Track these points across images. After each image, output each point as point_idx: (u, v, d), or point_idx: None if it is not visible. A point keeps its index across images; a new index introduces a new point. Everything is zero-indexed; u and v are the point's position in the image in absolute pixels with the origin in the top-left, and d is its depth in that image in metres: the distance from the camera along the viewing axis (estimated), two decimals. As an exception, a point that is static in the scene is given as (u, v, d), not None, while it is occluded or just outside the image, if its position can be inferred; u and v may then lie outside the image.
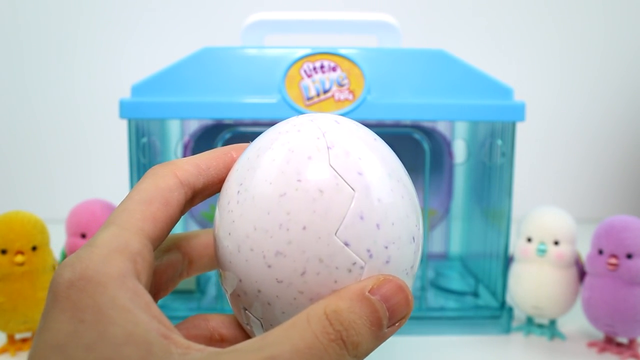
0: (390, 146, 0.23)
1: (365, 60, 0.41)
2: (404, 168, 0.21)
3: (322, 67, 0.40)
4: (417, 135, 0.44)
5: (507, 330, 0.44)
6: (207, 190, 0.21)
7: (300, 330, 0.16)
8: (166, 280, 0.22)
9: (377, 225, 0.19)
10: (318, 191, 0.18)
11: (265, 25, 0.47)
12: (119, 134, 0.68)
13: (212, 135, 0.48)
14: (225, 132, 0.43)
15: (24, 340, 0.42)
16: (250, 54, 0.41)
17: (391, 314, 0.17)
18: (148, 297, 0.17)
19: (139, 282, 0.17)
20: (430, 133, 0.54)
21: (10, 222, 0.38)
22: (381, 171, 0.19)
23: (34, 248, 0.39)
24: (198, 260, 0.23)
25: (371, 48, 0.41)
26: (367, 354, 0.17)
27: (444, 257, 0.59)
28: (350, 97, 0.40)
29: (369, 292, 0.17)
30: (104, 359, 0.15)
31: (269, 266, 0.18)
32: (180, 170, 0.20)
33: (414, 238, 0.20)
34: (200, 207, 0.51)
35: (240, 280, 0.19)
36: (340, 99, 0.40)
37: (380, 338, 0.17)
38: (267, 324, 0.20)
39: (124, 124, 0.63)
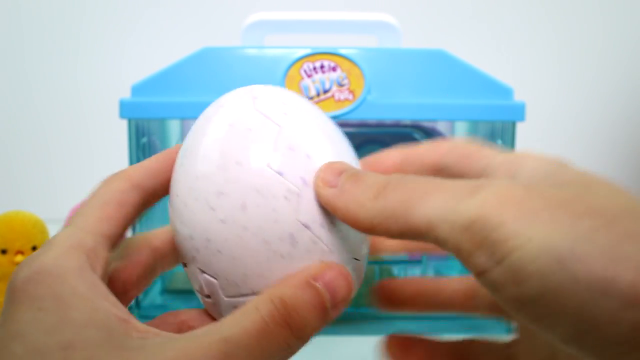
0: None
1: (365, 60, 0.40)
2: (331, 121, 0.22)
3: (322, 67, 0.40)
4: (417, 135, 0.44)
5: (507, 330, 0.44)
6: (161, 190, 0.23)
7: (250, 315, 0.17)
8: (137, 279, 0.23)
9: (307, 156, 0.20)
10: (247, 129, 0.20)
11: (265, 25, 0.47)
12: (119, 134, 0.68)
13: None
14: (225, 132, 0.43)
15: (24, 340, 0.42)
16: (250, 54, 0.41)
17: (333, 297, 0.18)
18: (104, 288, 0.18)
19: (95, 274, 0.18)
20: (430, 133, 0.54)
21: (11, 222, 0.38)
22: (305, 114, 0.21)
23: (34, 248, 0.39)
24: (170, 253, 0.24)
25: (371, 48, 0.41)
26: (312, 334, 0.18)
27: (444, 257, 0.59)
28: (350, 97, 0.40)
29: (312, 279, 0.18)
30: (65, 341, 0.16)
31: (213, 209, 0.19)
32: (132, 174, 0.22)
33: None
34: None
35: (192, 237, 0.20)
36: (340, 99, 0.40)
37: (325, 319, 0.18)
38: (223, 280, 0.20)
39: (124, 124, 0.63)
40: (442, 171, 0.22)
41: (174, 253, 0.24)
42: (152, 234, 0.24)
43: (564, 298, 0.13)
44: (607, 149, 0.83)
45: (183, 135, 0.52)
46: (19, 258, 0.38)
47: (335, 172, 0.19)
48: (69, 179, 0.80)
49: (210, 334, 0.17)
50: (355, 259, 0.21)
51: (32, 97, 0.79)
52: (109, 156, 0.79)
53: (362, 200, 0.18)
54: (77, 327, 0.16)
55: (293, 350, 0.18)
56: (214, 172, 0.20)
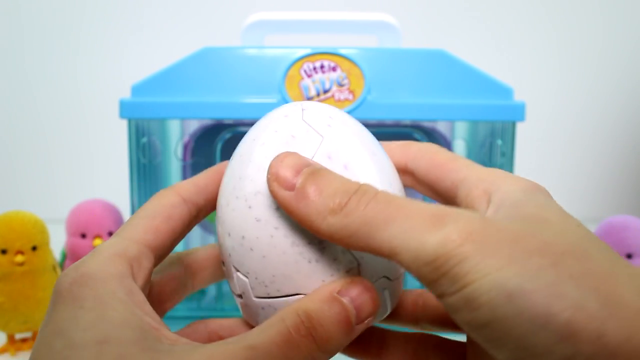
0: None
1: (365, 60, 0.40)
2: (375, 141, 0.23)
3: (322, 67, 0.40)
4: (417, 135, 0.44)
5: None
6: (209, 206, 0.23)
7: (276, 326, 0.18)
8: (170, 292, 0.24)
9: (345, 166, 0.20)
10: (290, 136, 0.21)
11: (265, 25, 0.47)
12: (119, 134, 0.68)
13: (212, 135, 0.48)
14: (225, 132, 0.43)
15: (24, 340, 0.42)
16: (250, 54, 0.41)
17: (358, 312, 0.19)
18: (142, 297, 0.19)
19: (135, 283, 0.19)
20: (430, 133, 0.54)
21: (11, 222, 0.38)
22: (348, 129, 0.22)
23: (34, 248, 0.39)
24: (200, 272, 0.25)
25: (371, 48, 0.41)
26: (338, 349, 0.18)
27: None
28: (350, 97, 0.40)
29: (337, 293, 0.19)
30: (102, 336, 0.16)
31: (250, 207, 0.20)
32: (182, 189, 0.22)
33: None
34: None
35: (229, 235, 0.21)
36: (340, 99, 0.40)
37: (350, 334, 0.19)
38: (253, 280, 0.20)
39: (124, 124, 0.63)
40: (412, 174, 0.23)
41: (204, 273, 0.25)
42: (185, 253, 0.25)
43: (509, 327, 0.15)
44: (607, 149, 0.83)
45: (183, 135, 0.52)
46: (19, 258, 0.38)
47: (292, 169, 0.19)
48: (69, 179, 0.80)
49: (237, 342, 0.17)
50: (387, 277, 0.21)
51: (32, 97, 0.79)
52: (109, 156, 0.79)
53: (322, 212, 0.18)
54: (112, 325, 0.17)
55: None
56: (255, 172, 0.20)
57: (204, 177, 0.23)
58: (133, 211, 0.44)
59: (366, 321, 0.19)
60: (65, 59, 0.78)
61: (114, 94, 0.48)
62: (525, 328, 0.15)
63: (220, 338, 0.22)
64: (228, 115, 0.40)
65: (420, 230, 0.16)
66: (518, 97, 0.43)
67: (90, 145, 0.80)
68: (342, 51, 0.40)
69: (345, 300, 0.19)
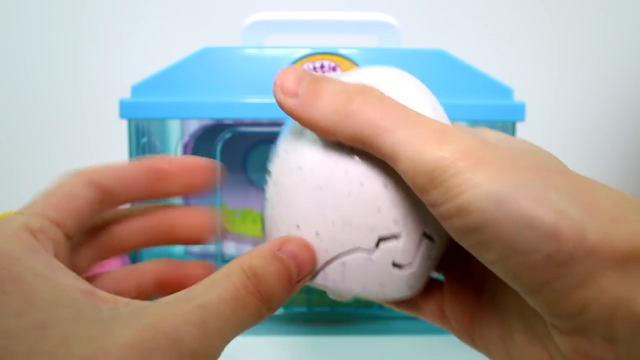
0: None
1: (365, 60, 0.40)
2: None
3: (322, 67, 0.40)
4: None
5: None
6: (123, 194, 0.22)
7: (222, 283, 0.18)
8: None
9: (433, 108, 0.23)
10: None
11: (265, 25, 0.47)
12: (119, 134, 0.68)
13: (212, 135, 0.48)
14: (225, 132, 0.43)
15: (24, 340, 0.42)
16: (250, 54, 0.41)
17: (299, 270, 0.20)
18: (60, 264, 0.18)
19: (48, 253, 0.18)
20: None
21: (10, 222, 0.38)
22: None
23: (34, 248, 0.39)
24: (121, 189, 0.23)
25: (371, 48, 0.41)
26: (279, 306, 0.19)
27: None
28: (350, 97, 0.40)
29: (278, 250, 0.19)
30: (38, 321, 0.15)
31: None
32: (89, 171, 0.22)
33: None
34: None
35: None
36: (340, 99, 0.40)
37: (291, 291, 0.19)
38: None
39: (124, 124, 0.63)
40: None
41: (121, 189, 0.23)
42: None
43: (497, 230, 0.17)
44: (607, 148, 0.83)
45: (183, 135, 0.52)
46: (19, 258, 0.38)
47: (294, 79, 0.20)
48: (69, 179, 0.80)
49: (186, 300, 0.17)
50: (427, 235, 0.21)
51: (32, 97, 0.79)
52: (109, 156, 0.79)
53: (327, 113, 0.19)
54: (46, 306, 0.16)
55: (262, 318, 0.18)
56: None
57: (122, 165, 0.22)
58: (133, 211, 0.44)
59: (304, 279, 0.20)
60: (65, 59, 0.78)
61: (114, 94, 0.48)
62: (513, 229, 0.17)
63: (147, 294, 0.23)
64: (228, 115, 0.40)
65: (424, 142, 0.18)
66: (518, 97, 0.43)
67: (90, 145, 0.80)
68: (342, 51, 0.40)
69: (285, 257, 0.19)
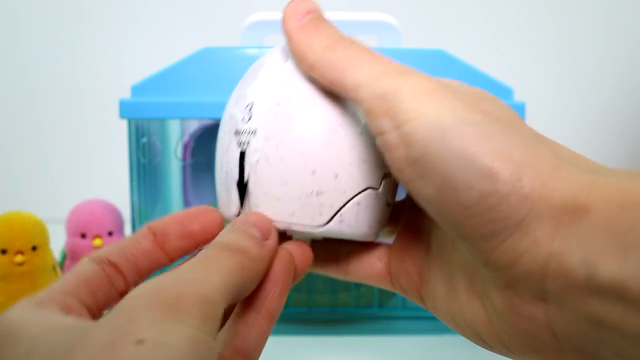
0: None
1: (365, 60, 0.40)
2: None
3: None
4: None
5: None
6: (130, 264, 0.21)
7: (191, 262, 0.18)
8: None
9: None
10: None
11: (265, 25, 0.47)
12: (119, 134, 0.68)
13: (212, 135, 0.48)
14: (225, 132, 0.43)
15: (24, 340, 0.42)
16: (250, 54, 0.41)
17: (259, 228, 0.20)
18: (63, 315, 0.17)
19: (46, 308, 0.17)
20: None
21: (10, 222, 0.38)
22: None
23: (34, 248, 0.39)
24: (126, 263, 0.22)
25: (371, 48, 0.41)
26: (257, 258, 0.19)
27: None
28: (350, 97, 0.40)
29: (238, 223, 0.21)
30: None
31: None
32: (96, 252, 0.21)
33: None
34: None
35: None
36: (340, 99, 0.40)
37: (264, 247, 0.20)
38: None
39: (124, 124, 0.63)
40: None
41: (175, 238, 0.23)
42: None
43: (437, 163, 0.17)
44: (607, 149, 0.83)
45: (183, 135, 0.52)
46: (18, 258, 0.38)
47: (306, 9, 0.21)
48: (68, 179, 0.80)
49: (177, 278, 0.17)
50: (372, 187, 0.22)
51: (32, 97, 0.79)
52: (109, 156, 0.79)
53: (314, 44, 0.20)
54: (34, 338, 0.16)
55: (246, 267, 0.19)
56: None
57: (124, 239, 0.22)
58: (133, 211, 0.44)
59: (269, 235, 0.20)
60: (65, 59, 0.78)
61: (114, 94, 0.48)
62: (452, 164, 0.17)
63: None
64: (228, 115, 0.40)
65: (385, 74, 0.19)
66: (518, 97, 0.43)
67: (90, 145, 0.80)
68: (342, 51, 0.40)
69: (243, 225, 0.20)
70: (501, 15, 0.80)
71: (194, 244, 0.22)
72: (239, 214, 0.22)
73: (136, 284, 0.21)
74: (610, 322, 0.15)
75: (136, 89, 0.41)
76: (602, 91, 0.82)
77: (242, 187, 0.22)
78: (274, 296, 0.21)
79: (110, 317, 0.16)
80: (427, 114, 0.17)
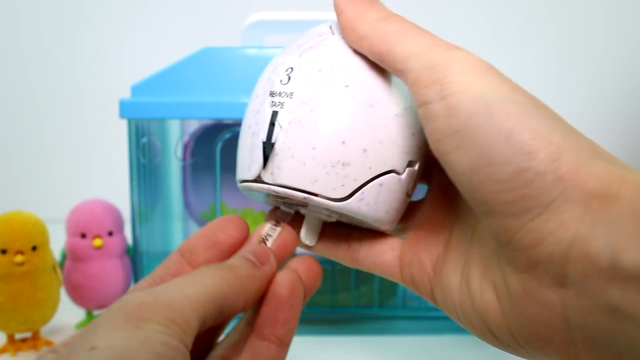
0: None
1: (365, 60, 0.40)
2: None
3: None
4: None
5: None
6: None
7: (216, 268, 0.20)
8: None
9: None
10: None
11: (265, 25, 0.47)
12: (119, 134, 0.68)
13: (212, 135, 0.48)
14: (225, 132, 0.43)
15: (24, 340, 0.42)
16: (250, 54, 0.41)
17: (258, 257, 0.21)
18: None
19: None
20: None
21: (10, 222, 0.38)
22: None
23: (34, 248, 0.39)
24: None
25: (371, 48, 0.41)
26: (247, 277, 0.20)
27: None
28: (350, 97, 0.40)
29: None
30: None
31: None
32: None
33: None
34: (200, 207, 0.51)
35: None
36: (340, 99, 0.40)
37: (256, 267, 0.21)
38: None
39: (124, 124, 0.63)
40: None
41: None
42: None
43: (478, 135, 0.17)
44: (607, 149, 0.83)
45: (183, 135, 0.52)
46: (19, 258, 0.38)
47: None
48: (68, 179, 0.80)
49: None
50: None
51: (32, 97, 0.79)
52: (109, 156, 0.79)
53: (366, 17, 0.21)
54: None
55: (231, 282, 0.20)
56: None
57: (158, 271, 0.23)
58: (133, 211, 0.44)
59: (265, 258, 0.21)
60: (65, 59, 0.78)
61: (114, 94, 0.48)
62: (493, 138, 0.17)
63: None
64: (228, 115, 0.40)
65: (436, 47, 0.19)
66: (518, 97, 0.43)
67: (90, 145, 0.80)
68: (342, 51, 0.40)
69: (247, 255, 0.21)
70: (501, 15, 0.80)
71: (222, 253, 0.22)
72: (259, 176, 0.22)
73: None
74: (628, 311, 0.15)
75: (136, 89, 0.41)
76: (602, 92, 0.82)
77: (269, 147, 0.21)
78: (281, 322, 0.21)
79: (79, 332, 0.17)
80: (475, 88, 0.18)
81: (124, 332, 0.16)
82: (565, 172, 0.17)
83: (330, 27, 0.23)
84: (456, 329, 0.44)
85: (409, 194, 0.23)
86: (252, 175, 0.22)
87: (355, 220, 0.23)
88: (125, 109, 0.40)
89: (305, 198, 0.21)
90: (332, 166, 0.21)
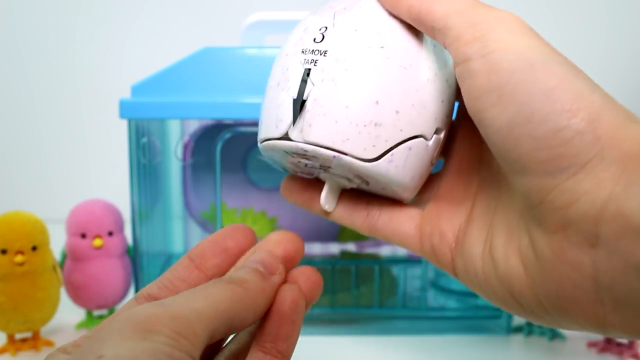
0: None
1: (365, 60, 0.40)
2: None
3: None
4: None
5: (508, 330, 0.44)
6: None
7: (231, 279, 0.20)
8: None
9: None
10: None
11: (265, 25, 0.47)
12: (119, 134, 0.68)
13: (212, 135, 0.48)
14: (225, 132, 0.43)
15: (24, 340, 0.42)
16: (250, 54, 0.41)
17: (267, 267, 0.22)
18: None
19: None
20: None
21: (10, 222, 0.38)
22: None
23: (34, 248, 0.39)
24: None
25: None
26: (255, 291, 0.20)
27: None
28: (350, 97, 0.40)
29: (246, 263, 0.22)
30: None
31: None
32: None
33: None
34: (200, 208, 0.51)
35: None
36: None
37: (263, 279, 0.21)
38: None
39: (124, 124, 0.63)
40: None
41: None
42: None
43: (519, 92, 0.17)
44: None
45: (183, 135, 0.52)
46: (19, 258, 0.38)
47: None
48: (68, 179, 0.80)
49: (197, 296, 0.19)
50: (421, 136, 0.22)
51: (32, 97, 0.79)
52: (109, 156, 0.79)
53: None
54: None
55: (243, 301, 0.20)
56: None
57: (167, 275, 0.23)
58: (133, 211, 0.44)
59: (274, 270, 0.22)
60: (65, 59, 0.78)
61: (114, 94, 0.48)
62: (534, 95, 0.17)
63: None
64: (228, 115, 0.40)
65: (477, 6, 0.20)
66: (518, 97, 0.43)
67: (91, 146, 0.80)
68: (342, 51, 0.40)
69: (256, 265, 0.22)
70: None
71: (230, 259, 0.23)
72: (286, 134, 0.21)
73: None
74: None
75: (136, 89, 0.41)
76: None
77: (300, 104, 0.21)
78: (283, 338, 0.21)
79: (87, 340, 0.17)
80: (517, 46, 0.18)
81: (131, 342, 0.16)
82: (603, 132, 0.17)
83: None
84: (456, 329, 0.44)
85: (432, 162, 0.23)
86: (279, 132, 0.22)
87: (378, 186, 0.23)
88: (125, 109, 0.40)
89: (335, 157, 0.21)
90: (365, 125, 0.21)
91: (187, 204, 0.52)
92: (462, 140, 0.24)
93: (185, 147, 0.51)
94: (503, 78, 0.18)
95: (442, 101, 0.22)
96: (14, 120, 0.79)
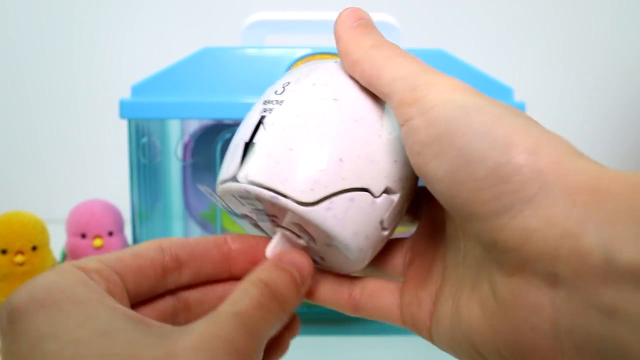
0: None
1: (365, 60, 0.40)
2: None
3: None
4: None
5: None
6: (195, 265, 0.23)
7: (244, 297, 0.19)
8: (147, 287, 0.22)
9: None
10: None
11: (265, 25, 0.47)
12: (119, 134, 0.68)
13: (212, 135, 0.48)
14: (225, 132, 0.43)
15: (24, 341, 0.42)
16: (250, 54, 0.41)
17: (300, 273, 0.22)
18: (110, 297, 0.19)
19: (99, 286, 0.19)
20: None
21: (10, 222, 0.38)
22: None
23: (34, 248, 0.39)
24: (192, 262, 0.23)
25: (371, 48, 0.41)
26: (293, 307, 0.21)
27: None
28: (350, 97, 0.40)
29: (279, 261, 0.22)
30: (101, 329, 0.17)
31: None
32: (163, 240, 0.23)
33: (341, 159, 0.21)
34: (200, 208, 0.51)
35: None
36: (340, 99, 0.40)
37: (298, 293, 0.21)
38: None
39: (124, 124, 0.63)
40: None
41: (197, 264, 0.24)
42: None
43: (456, 138, 0.18)
44: (608, 149, 0.83)
45: (183, 135, 0.52)
46: (19, 258, 0.38)
47: (360, 15, 0.23)
48: (68, 179, 0.80)
49: (220, 314, 0.18)
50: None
51: (32, 97, 0.79)
52: (109, 156, 0.79)
53: (361, 43, 0.22)
54: (106, 318, 0.17)
55: (282, 321, 0.20)
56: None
57: (197, 239, 0.24)
58: (133, 211, 0.44)
59: (306, 281, 0.22)
60: (65, 59, 0.78)
61: (114, 94, 0.48)
62: (470, 137, 0.18)
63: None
64: (228, 115, 0.40)
65: (422, 72, 0.20)
66: (518, 97, 0.43)
67: (90, 145, 0.80)
68: (342, 51, 0.40)
69: (286, 265, 0.21)
70: (501, 15, 0.80)
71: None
72: (234, 176, 0.22)
73: (189, 286, 0.23)
74: (623, 312, 0.15)
75: (136, 89, 0.41)
76: (603, 91, 0.82)
77: (249, 146, 0.22)
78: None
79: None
80: (454, 99, 0.19)
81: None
82: (544, 165, 0.16)
83: (331, 60, 0.24)
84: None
85: (384, 226, 0.22)
86: (228, 174, 0.22)
87: (322, 242, 0.22)
88: (125, 109, 0.40)
89: (272, 197, 0.21)
90: (305, 168, 0.21)
91: (187, 204, 0.52)
92: (429, 203, 0.24)
93: (185, 147, 0.51)
94: (441, 128, 0.18)
95: (396, 161, 0.22)
96: (14, 120, 0.79)
